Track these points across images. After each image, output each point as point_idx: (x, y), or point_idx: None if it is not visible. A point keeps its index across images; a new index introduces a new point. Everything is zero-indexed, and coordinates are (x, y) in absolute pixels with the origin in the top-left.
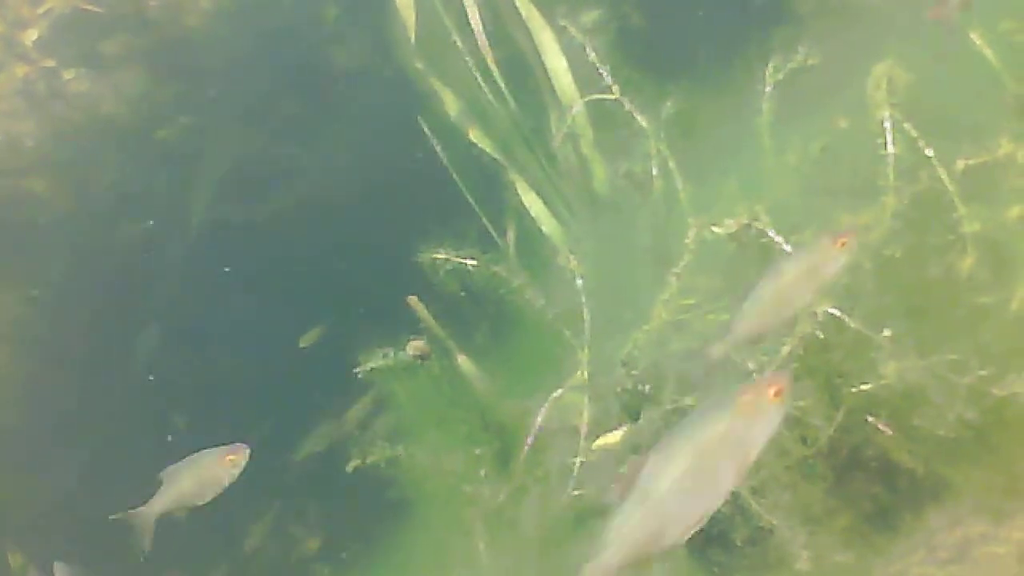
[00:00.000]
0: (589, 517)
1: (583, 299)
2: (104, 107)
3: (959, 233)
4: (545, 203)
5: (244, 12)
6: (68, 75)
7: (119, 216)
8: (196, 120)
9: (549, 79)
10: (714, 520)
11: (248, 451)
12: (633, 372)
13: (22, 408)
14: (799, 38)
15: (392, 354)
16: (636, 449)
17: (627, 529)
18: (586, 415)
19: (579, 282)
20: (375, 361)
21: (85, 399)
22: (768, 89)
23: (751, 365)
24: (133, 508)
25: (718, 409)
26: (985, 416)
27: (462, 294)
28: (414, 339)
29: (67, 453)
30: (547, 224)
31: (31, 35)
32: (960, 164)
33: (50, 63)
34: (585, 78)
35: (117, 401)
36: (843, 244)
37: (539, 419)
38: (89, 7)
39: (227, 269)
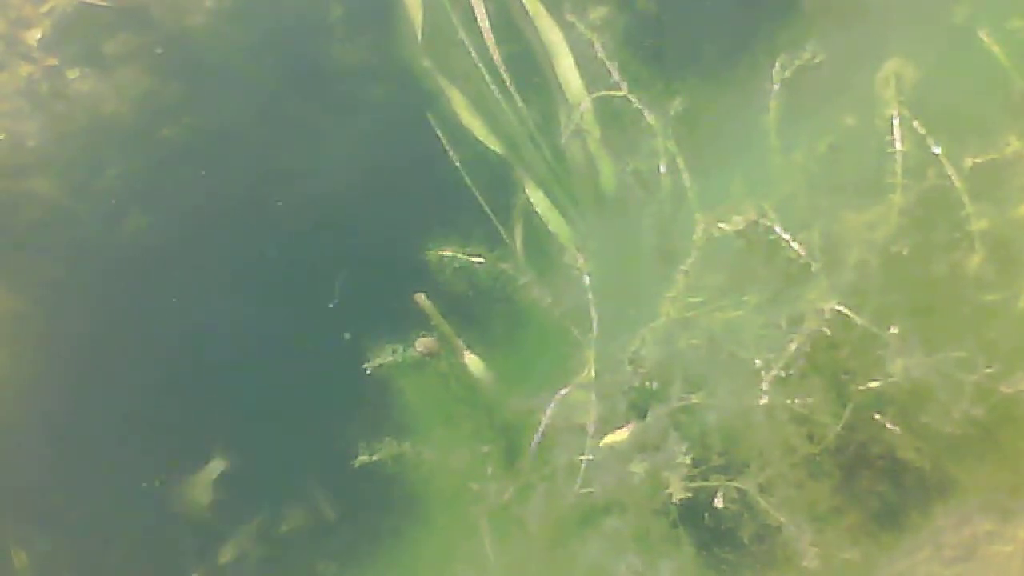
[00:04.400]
0: (595, 515)
1: (590, 297)
2: (108, 106)
3: (966, 231)
4: (552, 201)
5: (248, 10)
6: (72, 74)
7: (122, 216)
8: (200, 119)
9: (556, 76)
10: (721, 517)
11: None
12: (640, 370)
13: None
14: (807, 36)
15: (401, 351)
16: (643, 447)
17: None
18: (593, 413)
19: (586, 280)
20: (384, 358)
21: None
22: (775, 87)
23: (758, 362)
24: None
25: None
26: (992, 414)
27: (469, 292)
28: (423, 336)
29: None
30: (554, 222)
31: (34, 34)
32: (968, 162)
33: (53, 62)
34: (593, 75)
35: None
36: None
37: (546, 417)
38: (94, 1)
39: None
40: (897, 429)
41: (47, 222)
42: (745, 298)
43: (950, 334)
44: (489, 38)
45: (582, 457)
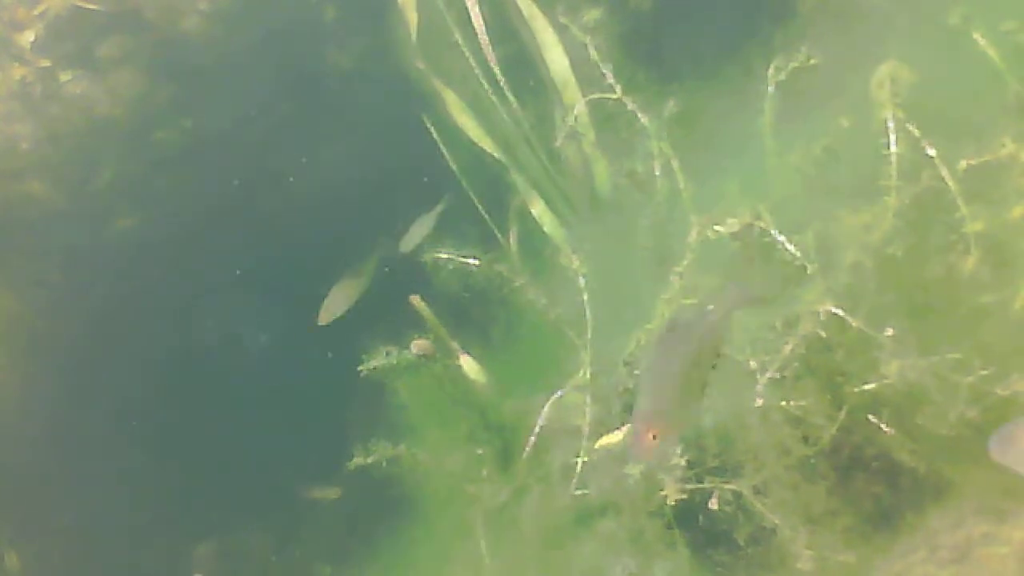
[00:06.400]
0: (591, 517)
1: (585, 299)
2: (101, 108)
3: (961, 233)
4: (547, 203)
5: (242, 12)
6: (65, 77)
7: (117, 216)
8: (194, 122)
9: (551, 78)
10: (716, 519)
11: None
12: (635, 372)
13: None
14: (801, 38)
15: (396, 353)
16: None
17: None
18: (588, 415)
19: (581, 281)
20: (378, 360)
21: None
22: (770, 89)
23: (753, 364)
24: None
25: None
26: (987, 416)
27: (464, 294)
28: (418, 338)
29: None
30: (549, 224)
31: (27, 36)
32: (963, 164)
33: (46, 64)
34: (587, 77)
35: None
36: None
37: (541, 419)
38: (87, 5)
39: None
40: (892, 431)
41: (42, 223)
42: None
43: (945, 336)
44: (484, 40)
45: (577, 459)
